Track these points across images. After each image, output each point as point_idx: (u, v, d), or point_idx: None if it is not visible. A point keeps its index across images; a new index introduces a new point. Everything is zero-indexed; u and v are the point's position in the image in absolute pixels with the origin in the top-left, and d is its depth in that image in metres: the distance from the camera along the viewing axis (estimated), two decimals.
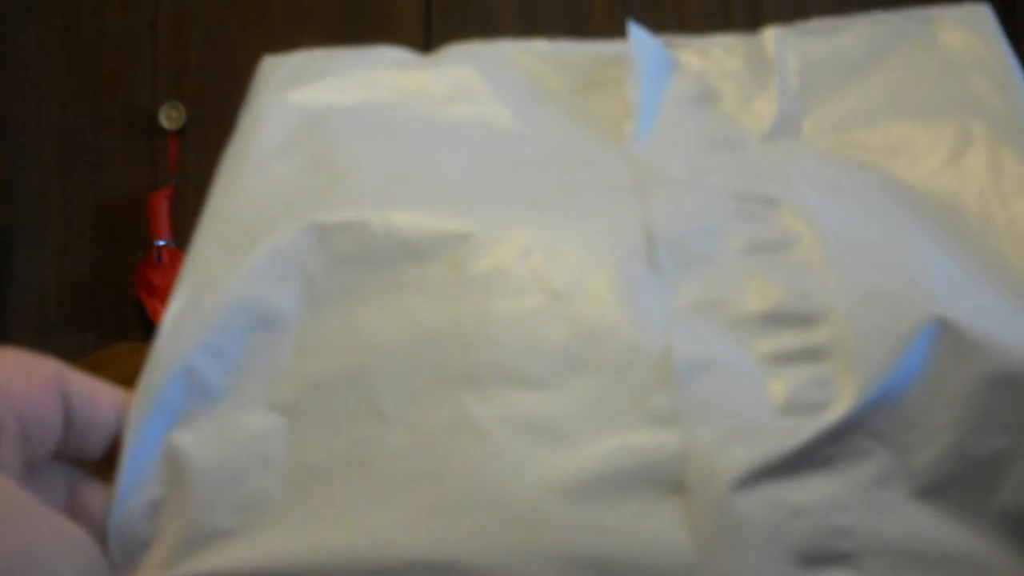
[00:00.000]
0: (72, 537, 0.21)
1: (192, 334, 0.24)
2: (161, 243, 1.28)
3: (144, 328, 1.21)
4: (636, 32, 0.29)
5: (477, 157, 0.27)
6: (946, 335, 0.22)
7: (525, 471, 0.21)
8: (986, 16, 0.28)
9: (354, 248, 0.25)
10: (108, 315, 1.28)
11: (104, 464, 0.25)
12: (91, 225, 1.39)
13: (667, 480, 0.21)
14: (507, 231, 0.24)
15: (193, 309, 0.25)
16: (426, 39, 1.30)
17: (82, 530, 0.21)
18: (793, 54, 0.28)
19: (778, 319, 0.23)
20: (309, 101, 0.29)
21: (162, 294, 1.21)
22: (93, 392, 0.25)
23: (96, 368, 0.29)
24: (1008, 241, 0.24)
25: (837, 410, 0.21)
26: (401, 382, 0.23)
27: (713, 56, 0.29)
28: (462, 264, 0.24)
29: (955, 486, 0.21)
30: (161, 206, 1.28)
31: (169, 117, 1.32)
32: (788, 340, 0.22)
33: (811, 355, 0.22)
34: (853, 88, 0.28)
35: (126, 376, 0.26)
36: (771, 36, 0.29)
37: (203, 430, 0.23)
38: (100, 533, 0.23)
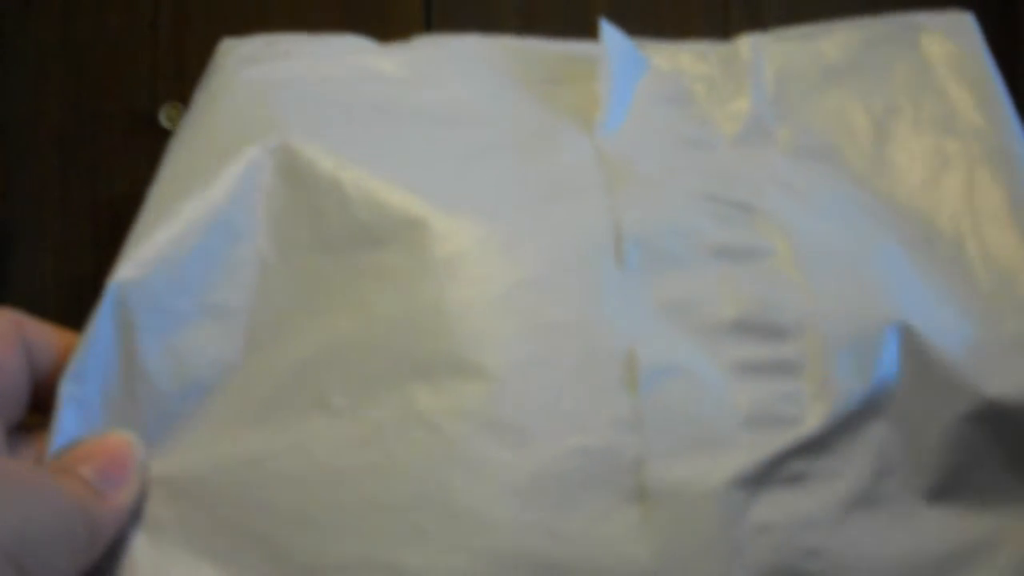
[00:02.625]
0: (59, 503, 0.20)
1: (151, 250, 0.24)
2: None
3: None
4: (608, 30, 0.28)
5: (439, 141, 0.26)
6: (914, 358, 0.22)
7: (477, 469, 0.21)
8: (970, 26, 0.28)
9: (308, 241, 0.24)
10: None
11: None
12: (91, 225, 1.38)
13: (626, 487, 0.21)
14: (468, 218, 0.24)
15: (151, 235, 0.24)
16: None
17: (65, 488, 0.20)
18: (769, 60, 0.28)
19: (748, 328, 0.22)
20: (267, 79, 0.29)
21: None
22: (49, 336, 0.24)
23: None
24: (979, 268, 0.24)
25: (806, 427, 0.21)
26: (350, 373, 0.23)
27: (686, 60, 0.29)
28: (419, 250, 0.23)
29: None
30: None
31: (169, 117, 1.32)
32: (757, 351, 0.22)
33: (780, 368, 0.22)
34: (830, 97, 0.27)
35: None
36: (747, 42, 0.29)
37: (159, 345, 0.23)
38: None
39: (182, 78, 1.45)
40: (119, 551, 0.22)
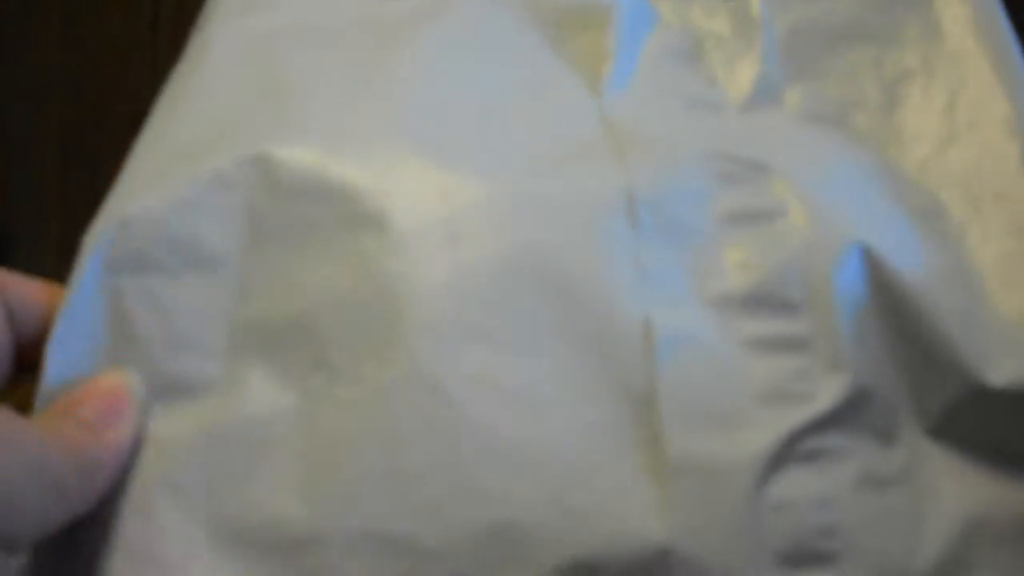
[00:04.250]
0: (36, 448, 0.20)
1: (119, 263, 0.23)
2: None
3: None
4: None
5: (440, 96, 0.25)
6: (915, 330, 0.21)
7: (485, 439, 0.20)
8: None
9: (301, 190, 0.23)
10: None
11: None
12: (91, 225, 1.38)
13: (642, 462, 0.20)
14: (474, 179, 0.22)
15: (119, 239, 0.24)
16: None
17: (46, 434, 0.20)
18: (780, 18, 0.27)
19: (759, 302, 0.22)
20: (262, 24, 0.27)
21: None
22: (37, 293, 0.24)
23: None
24: (981, 250, 0.23)
25: (820, 403, 0.21)
26: (352, 330, 0.21)
27: (696, 13, 0.28)
28: (422, 216, 0.22)
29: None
30: None
31: None
32: (770, 325, 0.22)
33: (794, 344, 0.22)
34: (841, 58, 0.26)
35: None
36: None
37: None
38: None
39: None
40: (122, 492, 0.21)
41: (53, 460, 0.20)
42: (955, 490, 0.21)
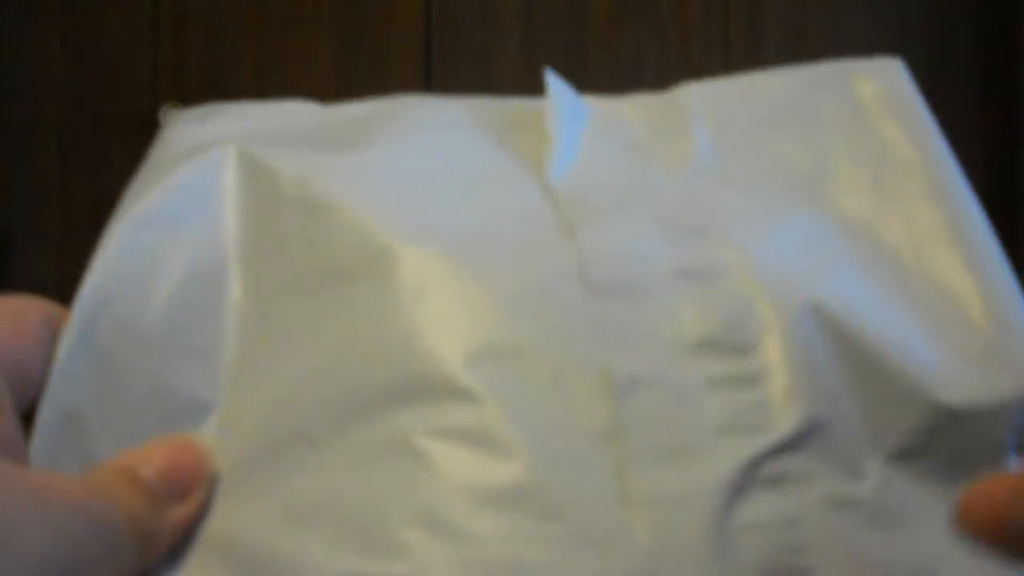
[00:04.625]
0: (105, 519, 0.19)
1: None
2: None
3: None
4: (553, 79, 0.29)
5: (398, 170, 0.26)
6: (867, 366, 0.23)
7: (463, 485, 0.21)
8: (899, 69, 0.29)
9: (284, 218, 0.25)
10: None
11: None
12: (91, 225, 1.38)
13: (610, 494, 0.21)
14: (434, 248, 0.24)
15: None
16: (427, 39, 1.30)
17: (117, 501, 0.20)
18: (707, 108, 0.29)
19: (713, 346, 0.23)
20: (221, 128, 0.28)
21: None
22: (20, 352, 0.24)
23: None
24: (925, 291, 0.25)
25: (776, 432, 0.22)
26: (329, 405, 0.23)
27: (627, 109, 0.30)
28: (388, 282, 0.23)
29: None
30: None
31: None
32: (724, 366, 0.23)
33: (747, 380, 0.23)
34: (769, 140, 0.28)
35: None
36: (685, 91, 0.30)
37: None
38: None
39: (182, 78, 1.45)
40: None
41: (117, 532, 0.20)
42: (922, 510, 0.22)
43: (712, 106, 0.28)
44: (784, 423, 0.22)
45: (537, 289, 0.23)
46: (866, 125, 0.27)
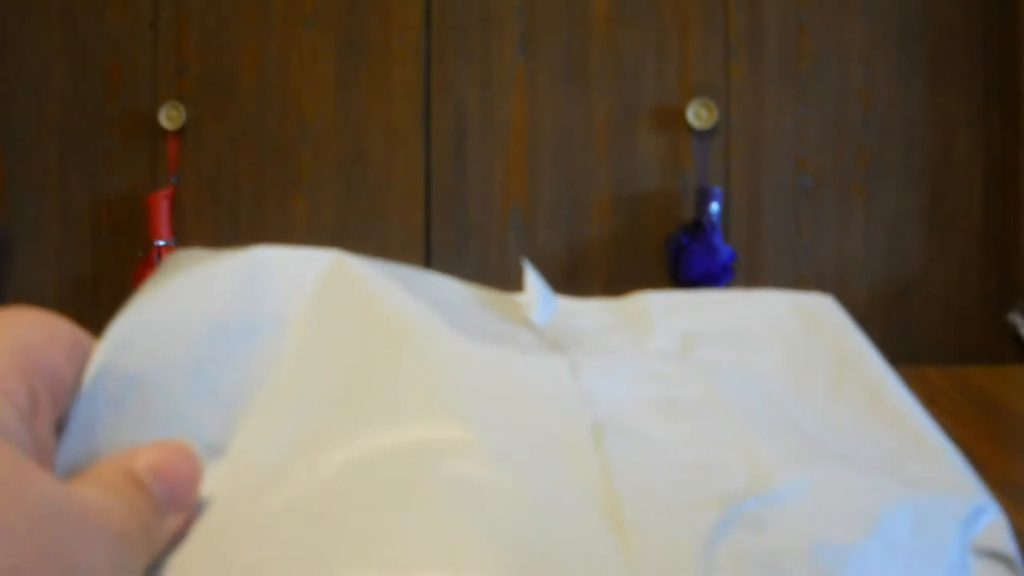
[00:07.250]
0: (118, 531, 0.20)
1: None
2: (161, 243, 1.28)
3: None
4: (528, 267, 0.32)
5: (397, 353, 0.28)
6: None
7: (457, 497, 0.22)
8: (833, 304, 0.33)
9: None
10: (108, 315, 1.28)
11: None
12: (91, 225, 1.39)
13: (599, 522, 0.22)
14: (455, 427, 0.24)
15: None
16: (426, 39, 1.30)
17: (130, 510, 0.20)
18: (667, 312, 0.32)
19: (699, 468, 0.25)
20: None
21: None
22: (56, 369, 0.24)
23: None
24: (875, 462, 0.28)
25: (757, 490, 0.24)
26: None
27: (591, 308, 0.33)
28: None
29: None
30: (161, 206, 1.28)
31: (169, 117, 1.32)
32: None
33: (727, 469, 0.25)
34: (727, 350, 0.31)
35: None
36: (643, 297, 0.32)
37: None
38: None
39: (182, 78, 1.45)
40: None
41: (129, 542, 0.20)
42: None
43: (671, 317, 0.32)
44: (762, 487, 0.24)
45: (544, 407, 0.25)
46: (817, 339, 0.32)
